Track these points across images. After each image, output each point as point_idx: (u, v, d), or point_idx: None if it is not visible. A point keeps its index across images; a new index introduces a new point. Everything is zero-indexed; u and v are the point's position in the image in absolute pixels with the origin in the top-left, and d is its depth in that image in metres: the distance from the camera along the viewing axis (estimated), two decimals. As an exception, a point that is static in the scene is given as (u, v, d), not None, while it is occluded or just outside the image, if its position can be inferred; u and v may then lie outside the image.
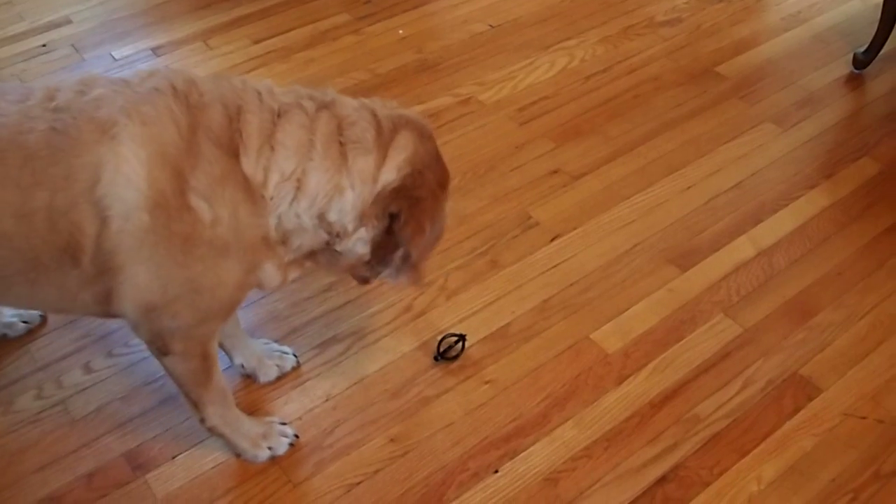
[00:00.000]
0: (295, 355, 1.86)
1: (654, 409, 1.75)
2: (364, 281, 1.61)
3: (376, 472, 1.67)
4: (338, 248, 1.40)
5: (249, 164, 1.29)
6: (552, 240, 2.14)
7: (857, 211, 2.19)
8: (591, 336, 1.90)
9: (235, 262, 1.34)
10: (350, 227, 1.37)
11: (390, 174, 1.34)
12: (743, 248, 2.10)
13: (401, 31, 2.95)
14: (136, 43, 2.97)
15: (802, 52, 2.79)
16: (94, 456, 1.70)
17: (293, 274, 1.47)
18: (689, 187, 2.28)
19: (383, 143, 1.34)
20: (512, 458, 1.67)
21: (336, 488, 1.64)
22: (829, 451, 1.65)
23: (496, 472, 1.65)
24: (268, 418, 1.71)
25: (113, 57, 2.90)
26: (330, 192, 1.33)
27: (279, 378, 1.83)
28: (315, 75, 2.77)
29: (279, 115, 1.31)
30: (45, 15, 3.12)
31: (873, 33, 2.63)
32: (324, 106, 1.34)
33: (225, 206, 1.28)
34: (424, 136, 1.41)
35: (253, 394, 1.81)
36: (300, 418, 1.76)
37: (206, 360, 1.50)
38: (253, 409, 1.78)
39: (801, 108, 2.55)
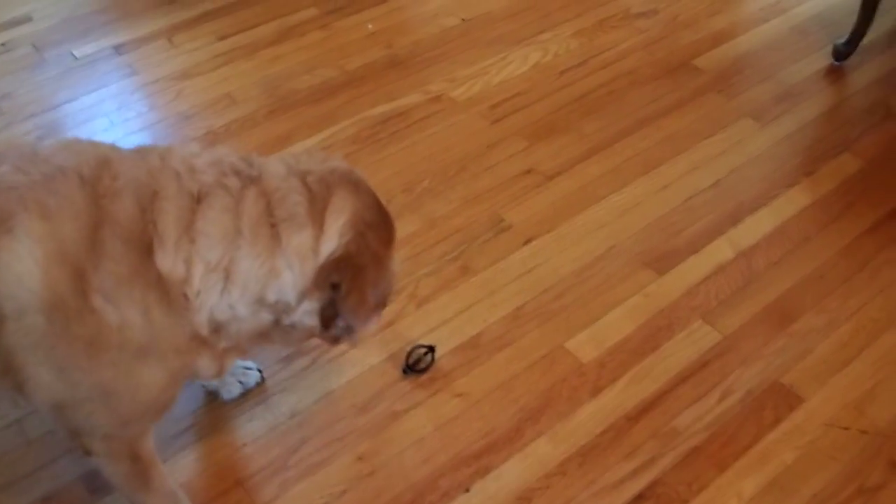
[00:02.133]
0: (259, 370, 1.78)
1: (630, 422, 1.69)
2: (333, 342, 1.44)
3: (343, 492, 1.60)
4: (286, 322, 1.29)
5: (166, 260, 1.16)
6: (525, 243, 2.08)
7: (838, 210, 2.13)
8: (566, 345, 1.84)
9: (157, 365, 1.23)
10: (294, 303, 1.26)
11: (331, 243, 1.22)
12: (721, 250, 2.04)
13: (370, 26, 2.87)
14: (99, 41, 2.88)
15: (781, 43, 2.73)
16: (50, 479, 1.63)
17: (232, 360, 1.36)
18: (665, 186, 2.22)
19: (318, 210, 1.22)
20: (483, 477, 1.61)
21: (301, 510, 1.58)
22: (811, 465, 1.60)
23: (467, 490, 1.59)
24: None
25: (74, 56, 2.81)
26: (264, 277, 1.21)
27: (243, 394, 1.76)
28: (281, 73, 2.68)
29: (199, 200, 1.18)
30: (4, 12, 3.01)
31: (854, 23, 2.57)
32: (250, 181, 1.21)
33: (135, 308, 1.16)
34: (361, 190, 1.30)
35: (216, 411, 1.74)
36: (265, 436, 1.69)
37: (137, 462, 1.37)
38: (216, 429, 1.70)
39: (779, 102, 2.49)
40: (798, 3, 2.90)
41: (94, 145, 1.26)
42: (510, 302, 1.94)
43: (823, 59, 2.63)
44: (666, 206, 2.17)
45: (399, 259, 1.44)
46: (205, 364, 1.31)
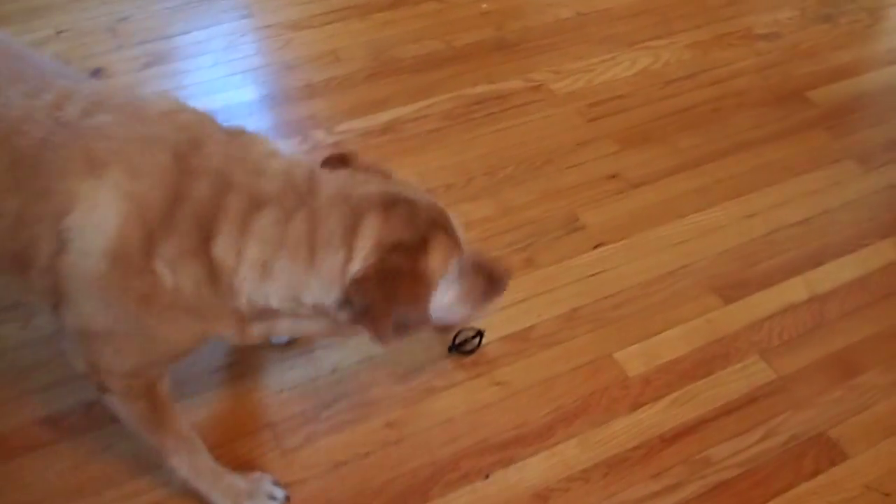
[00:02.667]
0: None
1: (664, 444, 1.66)
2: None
3: (366, 454, 1.63)
4: (323, 319, 1.33)
5: (222, 247, 1.23)
6: (595, 247, 2.05)
7: (928, 271, 2.03)
8: (615, 355, 1.81)
9: (195, 322, 1.30)
10: (331, 306, 1.30)
11: (356, 265, 1.26)
12: (795, 290, 1.97)
13: (484, 6, 2.86)
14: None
15: (904, 90, 2.61)
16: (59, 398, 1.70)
17: (261, 336, 1.40)
18: (751, 215, 2.16)
19: (350, 235, 1.27)
20: (506, 467, 1.61)
21: (323, 463, 1.61)
22: (841, 523, 1.55)
23: (487, 477, 1.60)
24: (257, 474, 1.56)
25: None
26: (297, 286, 1.27)
27: (290, 343, 1.80)
28: (389, 38, 2.71)
29: (259, 206, 1.24)
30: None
31: (985, 82, 2.44)
32: (303, 202, 1.27)
33: (189, 279, 1.23)
34: (392, 209, 1.30)
35: (260, 353, 1.79)
36: (302, 386, 1.73)
37: (153, 402, 1.42)
38: (257, 370, 1.75)
39: (890, 149, 2.38)
40: (930, 51, 2.76)
41: (195, 120, 1.32)
42: (568, 302, 1.92)
43: (945, 113, 2.50)
44: (748, 235, 2.10)
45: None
46: (237, 333, 1.35)
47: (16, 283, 1.34)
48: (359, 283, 1.26)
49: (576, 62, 2.65)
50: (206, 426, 1.64)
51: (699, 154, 2.33)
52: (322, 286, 1.27)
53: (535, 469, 1.61)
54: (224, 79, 2.53)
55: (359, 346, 1.80)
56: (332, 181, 1.32)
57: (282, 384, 1.73)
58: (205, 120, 1.33)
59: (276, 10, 2.82)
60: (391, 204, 1.31)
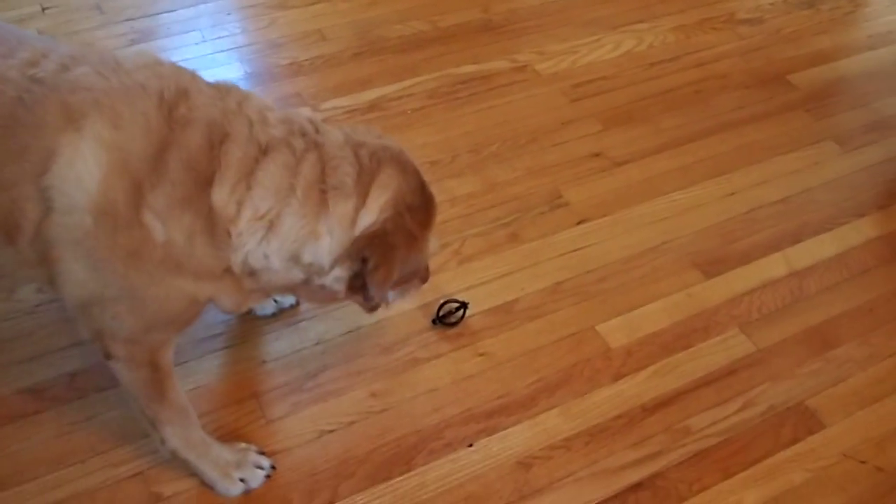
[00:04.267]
0: (295, 294, 1.83)
1: (645, 413, 1.69)
2: (364, 307, 1.48)
3: (351, 423, 1.64)
4: (316, 282, 1.32)
5: (221, 196, 1.20)
6: (578, 223, 2.07)
7: (905, 248, 2.07)
8: (597, 327, 1.84)
9: (188, 282, 1.26)
10: (327, 267, 1.29)
11: (370, 216, 1.26)
12: (775, 266, 2.00)
13: (470, -13, 2.87)
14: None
15: (883, 74, 2.64)
16: (81, 356, 1.71)
17: (254, 301, 1.39)
18: (732, 193, 2.18)
19: (364, 183, 1.26)
20: (489, 435, 1.63)
21: (308, 432, 1.62)
22: (818, 490, 1.57)
23: (470, 445, 1.61)
24: (242, 444, 1.56)
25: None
26: (304, 238, 1.25)
27: (275, 314, 1.81)
28: (375, 18, 2.71)
29: (265, 151, 1.22)
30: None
31: (962, 66, 2.48)
32: (313, 145, 1.26)
33: (181, 231, 1.20)
34: (408, 171, 1.32)
35: (247, 324, 1.80)
36: (287, 356, 1.74)
37: (156, 371, 1.40)
38: (244, 341, 1.76)
39: (868, 131, 2.42)
40: (910, 36, 2.80)
41: (178, 72, 1.28)
42: (551, 276, 1.94)
43: (923, 97, 2.54)
44: (728, 213, 2.13)
45: (435, 240, 1.44)
46: (227, 297, 1.34)
47: (8, 257, 1.28)
48: (376, 237, 1.25)
49: (561, 44, 2.66)
50: (192, 395, 1.64)
51: (681, 134, 2.35)
52: (332, 236, 1.25)
53: (518, 438, 1.63)
54: (210, 56, 2.53)
55: (344, 317, 1.81)
56: (337, 129, 1.32)
57: (267, 354, 1.74)
58: (190, 72, 1.29)
59: (260, -11, 2.82)
60: (406, 164, 1.33)
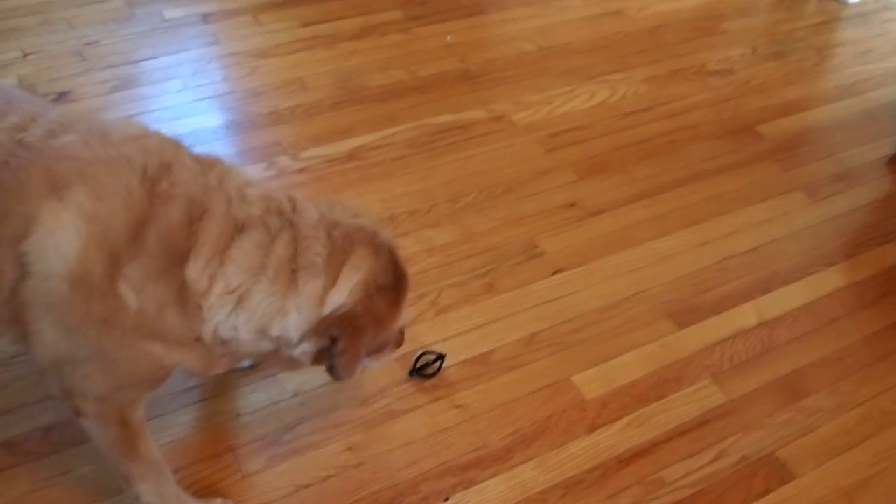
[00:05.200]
0: (273, 345, 1.84)
1: (620, 465, 1.71)
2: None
3: (328, 477, 1.64)
4: (283, 353, 1.35)
5: (195, 271, 1.23)
6: (554, 273, 2.10)
7: (872, 298, 2.11)
8: (573, 378, 1.86)
9: (158, 347, 1.29)
10: (295, 341, 1.32)
11: (340, 297, 1.29)
12: (746, 316, 2.04)
13: (449, 38, 2.93)
14: (189, 6, 3.00)
15: (849, 124, 2.72)
16: (55, 410, 1.70)
17: (223, 367, 1.42)
18: (704, 243, 2.23)
19: (335, 264, 1.30)
20: (465, 489, 1.64)
21: (284, 486, 1.62)
22: (789, 541, 1.60)
23: (447, 499, 1.62)
24: (219, 500, 1.56)
25: (163, 16, 2.92)
26: (272, 313, 1.28)
27: (252, 366, 1.82)
28: (355, 67, 2.76)
29: (240, 230, 1.25)
30: (106, -36, 3.15)
31: (926, 118, 2.55)
32: (288, 224, 1.29)
33: (153, 302, 1.22)
34: (380, 251, 1.36)
35: (223, 377, 1.79)
36: (264, 409, 1.74)
37: (127, 427, 1.41)
38: (220, 394, 1.77)
39: (836, 181, 2.48)
40: (874, 88, 2.88)
41: (162, 145, 1.30)
42: (527, 326, 1.97)
43: (888, 148, 2.60)
44: (701, 263, 2.17)
45: (408, 316, 1.49)
46: (196, 363, 1.36)
47: None
48: (346, 318, 1.28)
49: (536, 94, 2.72)
50: (168, 449, 1.65)
51: (655, 184, 2.40)
52: (299, 313, 1.28)
53: (495, 491, 1.64)
54: (191, 104, 2.56)
55: (321, 369, 1.81)
56: (314, 207, 1.35)
57: (243, 407, 1.75)
58: (175, 145, 1.32)
59: (242, 38, 2.86)
60: (379, 245, 1.36)
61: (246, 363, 1.80)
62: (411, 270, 1.47)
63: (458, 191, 2.32)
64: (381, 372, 1.83)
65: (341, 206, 1.40)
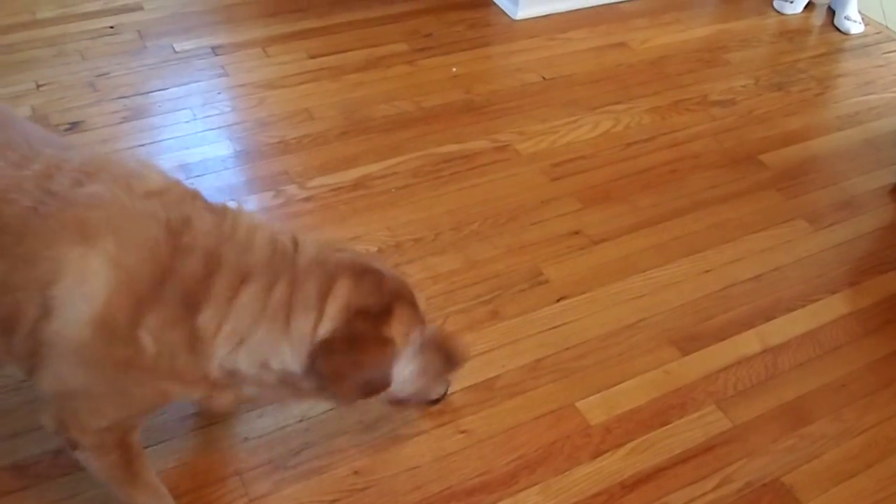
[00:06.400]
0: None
1: (624, 490, 1.71)
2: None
3: (333, 501, 1.65)
4: (288, 385, 1.38)
5: (205, 318, 1.28)
6: (558, 300, 2.12)
7: (875, 325, 2.12)
8: (577, 404, 1.87)
9: (170, 384, 1.34)
10: (300, 373, 1.35)
11: (325, 327, 1.33)
12: (749, 343, 2.05)
13: (454, 69, 2.98)
14: (200, 39, 3.04)
15: (851, 154, 2.75)
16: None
17: (229, 398, 1.46)
18: (707, 271, 2.25)
19: (322, 297, 1.33)
20: (470, 514, 1.65)
21: (290, 511, 1.63)
22: (794, 567, 1.60)
23: (451, 524, 1.63)
24: None
25: (173, 49, 2.97)
26: (270, 350, 1.32)
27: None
28: (361, 98, 2.80)
29: (246, 279, 1.30)
30: (119, -2, 3.22)
31: (927, 147, 2.58)
32: (288, 266, 1.34)
33: (167, 347, 1.28)
34: (363, 276, 1.38)
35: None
36: (270, 434, 1.76)
37: (125, 452, 1.45)
38: (226, 419, 1.78)
39: (838, 210, 2.50)
40: (876, 118, 2.91)
41: (182, 197, 1.35)
42: (531, 353, 1.98)
43: (890, 177, 2.63)
44: (703, 290, 2.19)
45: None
46: (204, 393, 1.41)
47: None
48: (324, 345, 1.32)
49: (540, 124, 2.75)
50: (175, 473, 1.66)
51: (657, 213, 2.43)
52: (292, 349, 1.32)
53: (499, 516, 1.65)
54: (200, 134, 2.60)
55: (327, 394, 1.83)
56: (311, 247, 1.38)
57: (250, 432, 1.76)
58: (193, 197, 1.37)
59: (251, 69, 2.91)
60: (362, 272, 1.38)
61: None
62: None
63: (463, 219, 2.35)
64: (386, 397, 1.84)
65: (338, 243, 1.46)
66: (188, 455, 1.70)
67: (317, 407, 1.81)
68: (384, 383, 1.39)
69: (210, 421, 1.78)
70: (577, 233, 2.34)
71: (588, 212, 2.41)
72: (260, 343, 1.31)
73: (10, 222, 1.24)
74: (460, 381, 1.88)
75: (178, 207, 1.31)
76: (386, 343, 1.37)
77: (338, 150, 2.58)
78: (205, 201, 1.39)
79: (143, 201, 1.30)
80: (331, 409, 1.81)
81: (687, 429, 1.84)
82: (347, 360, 1.35)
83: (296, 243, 1.38)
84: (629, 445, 1.80)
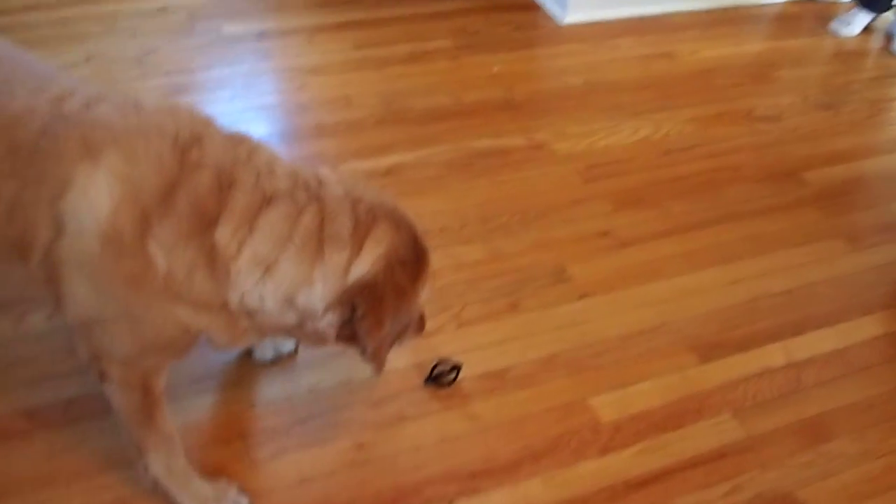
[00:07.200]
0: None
1: (628, 490, 1.67)
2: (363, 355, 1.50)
3: (332, 472, 1.64)
4: (308, 326, 1.37)
5: (224, 235, 1.26)
6: (580, 298, 2.09)
7: (908, 348, 2.06)
8: (589, 401, 1.84)
9: (185, 311, 1.32)
10: (320, 312, 1.33)
11: (363, 268, 1.31)
12: (774, 356, 2.00)
13: (496, 68, 2.98)
14: (247, 23, 3.10)
15: (897, 178, 2.68)
16: (79, 384, 1.74)
17: (247, 340, 1.44)
18: (735, 281, 2.20)
19: (359, 236, 1.32)
20: (469, 497, 1.62)
21: (289, 477, 1.63)
22: (798, 581, 1.54)
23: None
24: (223, 482, 1.59)
25: (221, 32, 3.02)
26: (299, 283, 1.30)
27: (274, 360, 1.84)
28: (402, 89, 2.81)
29: (269, 202, 1.29)
30: (171, -19, 3.29)
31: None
32: (315, 199, 1.32)
33: (182, 263, 1.26)
34: (402, 226, 1.37)
35: (243, 367, 1.83)
36: (278, 402, 1.76)
37: (147, 395, 1.46)
38: (238, 383, 1.79)
39: (879, 231, 2.43)
40: (926, 144, 2.83)
41: (194, 117, 1.35)
42: (547, 347, 1.95)
43: (936, 203, 2.55)
44: (730, 300, 2.14)
45: (427, 292, 1.45)
46: (221, 332, 1.38)
47: (18, 274, 1.35)
48: (368, 287, 1.30)
49: (579, 126, 2.73)
50: (182, 430, 1.64)
51: (690, 220, 2.39)
52: (324, 281, 1.30)
53: (498, 502, 1.62)
54: (240, 113, 2.63)
55: (337, 368, 1.83)
56: (340, 183, 1.37)
57: (259, 398, 1.76)
58: (206, 120, 1.37)
59: (296, 55, 2.94)
60: (400, 220, 1.38)
61: (268, 355, 1.82)
62: (437, 284, 1.47)
63: (492, 212, 2.33)
64: (395, 376, 1.83)
65: (363, 183, 1.42)
66: (196, 415, 1.71)
67: (327, 379, 1.81)
68: (402, 338, 1.39)
69: (220, 384, 1.78)
70: (605, 234, 2.30)
71: (619, 214, 2.38)
72: (288, 273, 1.29)
73: (23, 143, 1.26)
74: (472, 367, 1.87)
75: (187, 126, 1.31)
76: (416, 300, 1.38)
77: (374, 137, 2.59)
78: (220, 127, 1.37)
79: (150, 117, 1.30)
80: (340, 383, 1.81)
81: (700, 434, 1.79)
82: (390, 308, 1.34)
83: (319, 178, 1.36)
84: (639, 445, 1.76)
